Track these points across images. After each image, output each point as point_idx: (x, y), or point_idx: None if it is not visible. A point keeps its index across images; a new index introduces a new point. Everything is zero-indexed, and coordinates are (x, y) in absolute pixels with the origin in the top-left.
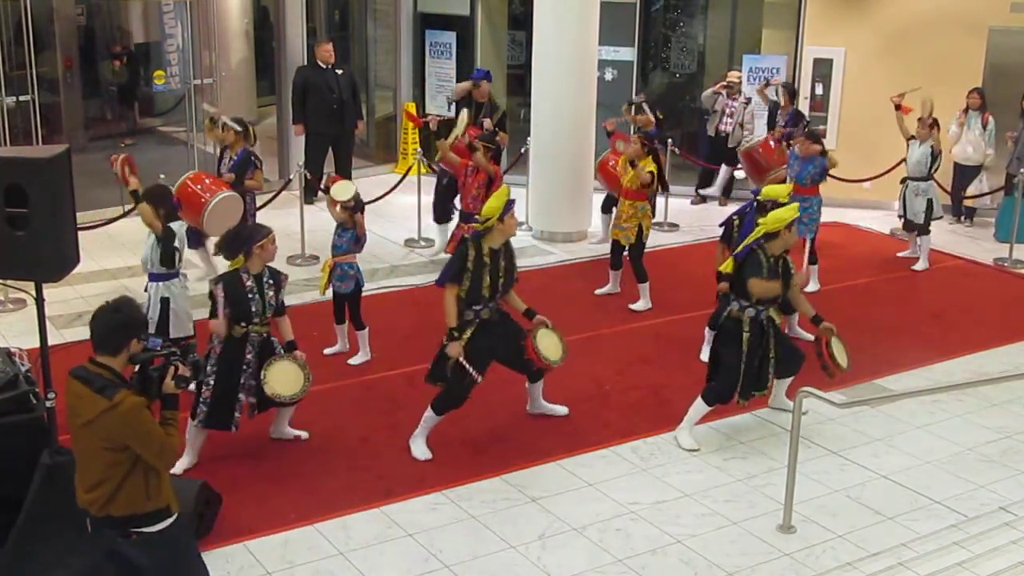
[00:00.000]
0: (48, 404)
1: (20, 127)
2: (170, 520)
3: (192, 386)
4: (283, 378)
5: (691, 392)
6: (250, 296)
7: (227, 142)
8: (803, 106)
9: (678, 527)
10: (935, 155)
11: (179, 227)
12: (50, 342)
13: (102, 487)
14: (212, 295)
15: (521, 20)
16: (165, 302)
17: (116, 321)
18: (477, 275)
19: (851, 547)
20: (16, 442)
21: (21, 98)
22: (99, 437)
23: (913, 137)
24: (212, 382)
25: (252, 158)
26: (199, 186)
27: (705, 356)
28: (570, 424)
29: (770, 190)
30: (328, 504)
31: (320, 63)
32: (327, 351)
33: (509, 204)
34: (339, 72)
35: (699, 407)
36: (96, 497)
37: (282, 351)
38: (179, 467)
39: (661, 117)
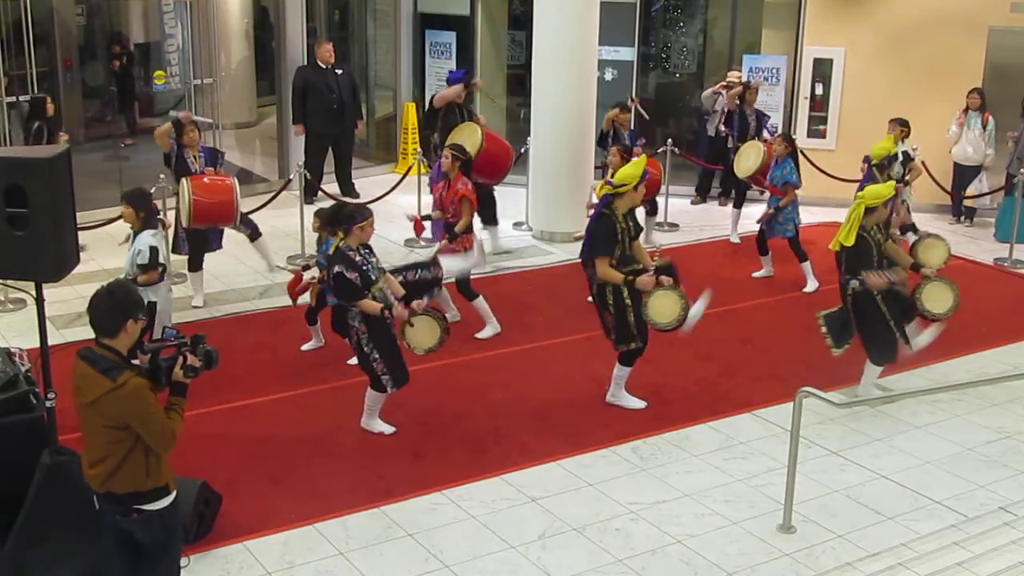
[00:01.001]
0: (48, 404)
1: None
2: (169, 499)
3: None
4: (421, 332)
5: (691, 392)
6: (364, 266)
7: (195, 142)
8: (803, 106)
9: (678, 527)
10: (906, 159)
11: (155, 236)
12: (50, 342)
13: (104, 463)
14: (343, 279)
15: (521, 20)
16: (152, 305)
17: (110, 303)
18: (621, 241)
19: (851, 547)
20: (16, 442)
21: (21, 98)
22: (102, 416)
23: None
24: (377, 355)
25: (217, 151)
26: (212, 195)
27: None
28: (570, 424)
29: (879, 148)
30: (328, 504)
31: (320, 63)
32: (304, 347)
33: (645, 173)
34: (339, 72)
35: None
36: (99, 473)
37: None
38: (386, 430)
39: (647, 118)
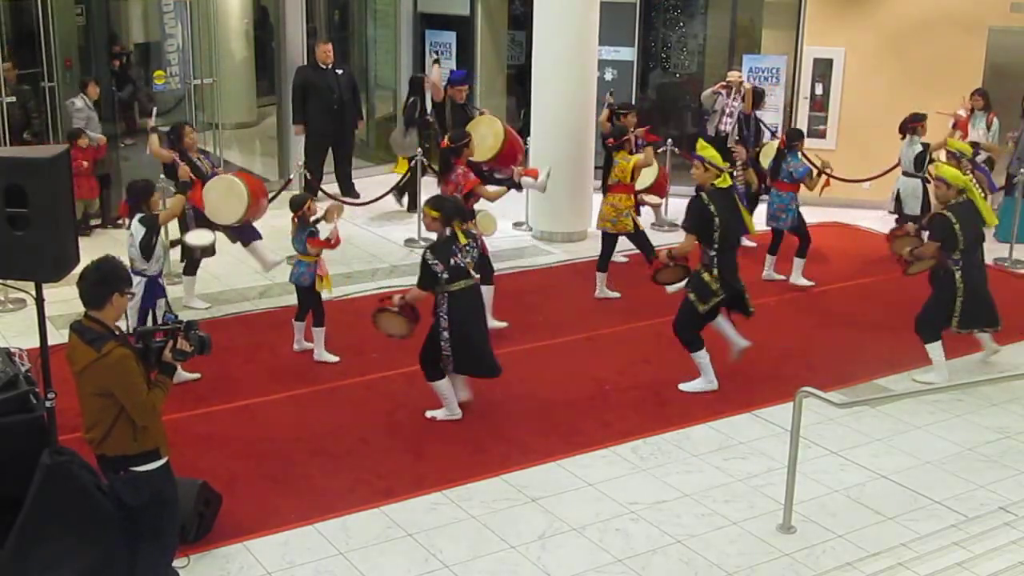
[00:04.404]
0: (48, 404)
1: (19, 127)
2: (158, 463)
3: None
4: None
5: (691, 392)
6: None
7: (195, 143)
8: (803, 106)
9: (678, 527)
10: (923, 152)
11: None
12: (50, 342)
13: (96, 428)
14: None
15: (521, 20)
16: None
17: (96, 278)
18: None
19: (851, 547)
20: (16, 442)
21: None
22: (90, 384)
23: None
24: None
25: (206, 151)
26: (259, 195)
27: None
28: (570, 424)
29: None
30: (328, 504)
31: (319, 63)
32: (297, 348)
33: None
34: (339, 72)
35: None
36: (92, 437)
37: None
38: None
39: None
